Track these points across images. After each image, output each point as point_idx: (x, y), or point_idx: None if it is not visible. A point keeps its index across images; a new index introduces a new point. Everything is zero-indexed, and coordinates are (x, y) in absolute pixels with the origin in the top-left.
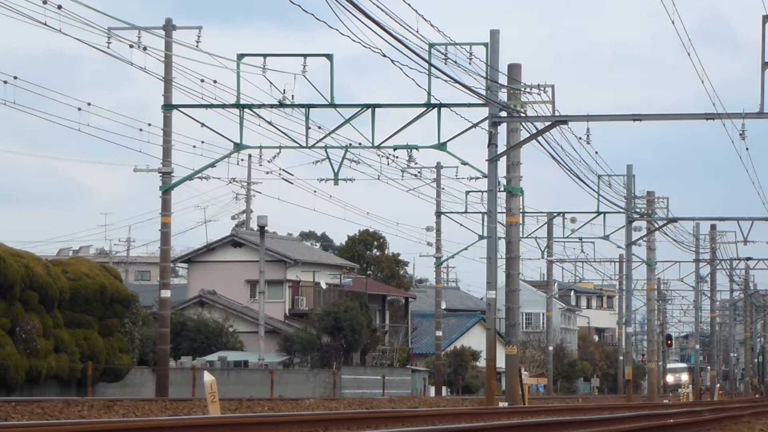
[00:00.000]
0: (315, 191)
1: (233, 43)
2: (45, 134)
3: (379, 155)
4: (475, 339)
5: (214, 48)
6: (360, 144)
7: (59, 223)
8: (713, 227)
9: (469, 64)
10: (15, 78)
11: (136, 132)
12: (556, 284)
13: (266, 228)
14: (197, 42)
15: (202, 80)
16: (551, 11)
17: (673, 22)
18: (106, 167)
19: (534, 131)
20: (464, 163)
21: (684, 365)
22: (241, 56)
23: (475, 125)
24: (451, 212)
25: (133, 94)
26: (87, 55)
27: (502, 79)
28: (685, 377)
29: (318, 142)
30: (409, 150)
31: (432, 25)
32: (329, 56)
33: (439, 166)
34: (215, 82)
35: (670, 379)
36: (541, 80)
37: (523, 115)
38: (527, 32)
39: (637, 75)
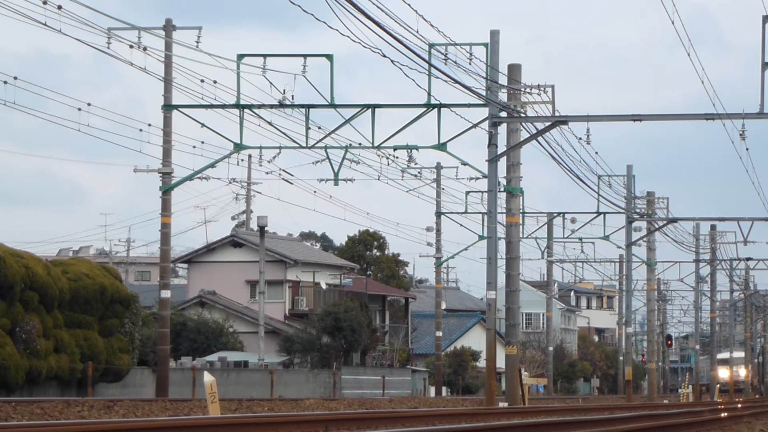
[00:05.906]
0: (315, 191)
1: (224, 45)
2: (40, 134)
3: (379, 155)
4: (475, 339)
5: (208, 50)
6: (360, 144)
7: (59, 223)
8: (713, 227)
9: (469, 64)
10: (15, 78)
11: (134, 132)
12: (556, 284)
13: (266, 228)
14: (197, 42)
15: (202, 80)
16: (541, 12)
17: (673, 23)
18: (105, 167)
19: (534, 131)
20: (464, 164)
21: (740, 354)
22: (241, 56)
23: (475, 125)
24: (451, 212)
25: (123, 93)
26: (75, 55)
27: (502, 80)
28: (743, 372)
29: (318, 142)
30: (409, 150)
31: (432, 26)
32: (329, 56)
33: (439, 167)
34: (215, 82)
35: (724, 374)
36: (532, 81)
37: (523, 115)
38: (518, 33)
39: (626, 75)
